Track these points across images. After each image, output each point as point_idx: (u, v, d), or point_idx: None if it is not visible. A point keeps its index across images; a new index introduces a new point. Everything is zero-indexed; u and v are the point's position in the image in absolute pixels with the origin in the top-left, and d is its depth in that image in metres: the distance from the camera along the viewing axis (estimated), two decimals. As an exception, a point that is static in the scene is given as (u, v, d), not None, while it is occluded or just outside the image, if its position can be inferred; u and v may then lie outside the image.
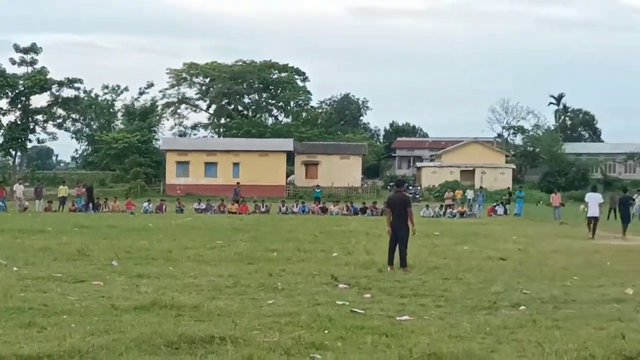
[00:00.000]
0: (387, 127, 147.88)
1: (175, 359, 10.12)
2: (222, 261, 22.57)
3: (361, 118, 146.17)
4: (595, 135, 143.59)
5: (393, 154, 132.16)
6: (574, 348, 10.38)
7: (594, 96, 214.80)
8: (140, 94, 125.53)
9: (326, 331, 11.77)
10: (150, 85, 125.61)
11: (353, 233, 35.65)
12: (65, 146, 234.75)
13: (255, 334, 11.38)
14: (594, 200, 37.51)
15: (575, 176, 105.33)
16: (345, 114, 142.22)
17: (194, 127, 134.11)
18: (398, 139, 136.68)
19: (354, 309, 13.84)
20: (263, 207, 63.47)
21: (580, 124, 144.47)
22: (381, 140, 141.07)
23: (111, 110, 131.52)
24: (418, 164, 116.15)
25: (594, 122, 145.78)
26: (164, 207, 63.25)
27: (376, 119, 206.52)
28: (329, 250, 25.95)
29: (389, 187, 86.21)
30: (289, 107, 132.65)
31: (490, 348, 10.72)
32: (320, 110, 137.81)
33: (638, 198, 56.44)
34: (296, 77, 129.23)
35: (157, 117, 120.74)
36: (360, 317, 13.07)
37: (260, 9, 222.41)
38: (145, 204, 63.10)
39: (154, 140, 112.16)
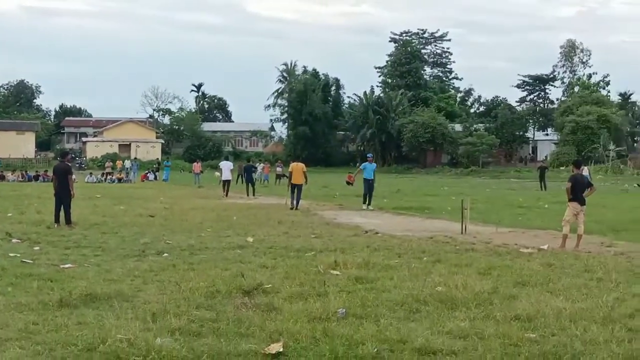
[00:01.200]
0: (57, 109, 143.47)
1: None
2: None
3: (35, 101, 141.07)
4: (227, 117, 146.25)
5: (62, 131, 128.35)
6: (205, 285, 10.66)
7: (226, 85, 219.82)
8: None
9: (-1, 278, 11.35)
10: None
11: (27, 196, 34.44)
12: None
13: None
14: (226, 167, 39.05)
15: (212, 149, 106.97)
16: (21, 97, 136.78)
17: None
18: (66, 118, 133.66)
19: (24, 260, 13.40)
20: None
21: (215, 108, 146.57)
22: (52, 120, 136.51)
23: None
24: (84, 139, 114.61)
25: (227, 106, 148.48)
26: None
27: (48, 102, 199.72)
28: (5, 211, 24.84)
29: (57, 158, 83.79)
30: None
31: (137, 288, 10.74)
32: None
33: (260, 165, 58.51)
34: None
35: None
36: (29, 266, 12.68)
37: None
38: None
39: None
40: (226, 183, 38.78)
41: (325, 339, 7.80)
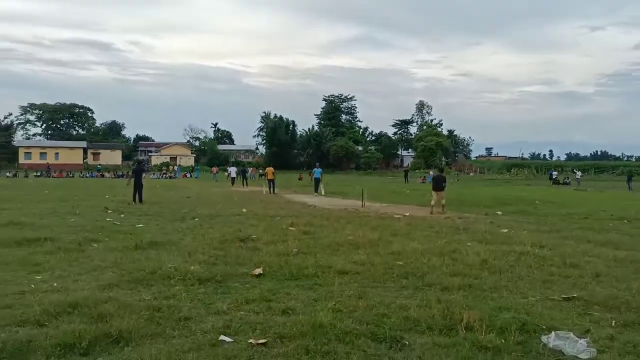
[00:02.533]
0: (135, 136, 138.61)
1: (19, 249, 9.03)
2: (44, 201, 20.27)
3: (122, 132, 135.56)
4: (232, 141, 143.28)
5: (137, 149, 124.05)
6: (218, 236, 10.51)
7: (232, 123, 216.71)
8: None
9: (100, 233, 11.04)
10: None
11: (116, 186, 33.39)
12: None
13: (63, 235, 10.43)
14: (233, 170, 39.39)
15: (223, 160, 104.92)
16: (113, 129, 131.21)
17: None
18: (140, 142, 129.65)
19: (115, 222, 13.08)
20: None
21: (225, 137, 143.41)
22: (132, 142, 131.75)
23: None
24: (150, 154, 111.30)
25: (232, 135, 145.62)
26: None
27: (130, 132, 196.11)
28: (103, 195, 24.15)
29: (135, 164, 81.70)
30: None
31: (180, 238, 10.53)
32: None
33: (250, 169, 57.74)
34: None
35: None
36: (118, 226, 12.35)
37: None
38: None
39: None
40: (233, 179, 39.08)
41: (286, 266, 7.78)
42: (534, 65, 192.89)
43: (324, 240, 10.22)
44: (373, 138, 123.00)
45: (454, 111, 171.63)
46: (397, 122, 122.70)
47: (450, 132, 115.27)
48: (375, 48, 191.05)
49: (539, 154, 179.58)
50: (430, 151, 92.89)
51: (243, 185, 36.94)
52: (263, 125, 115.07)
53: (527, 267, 7.93)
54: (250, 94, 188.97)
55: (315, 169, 29.37)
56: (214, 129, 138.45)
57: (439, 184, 18.01)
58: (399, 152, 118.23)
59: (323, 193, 27.03)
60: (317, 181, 28.01)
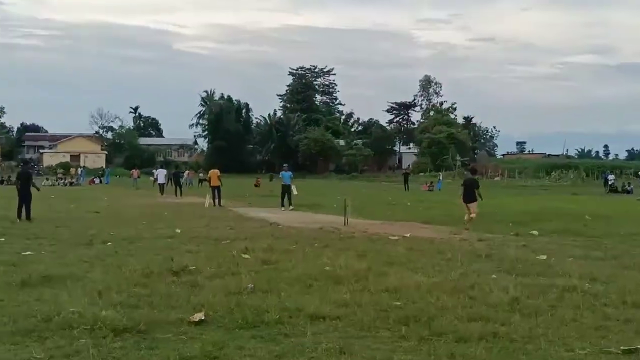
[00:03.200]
0: (19, 126, 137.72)
1: None
2: None
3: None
4: (159, 132, 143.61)
5: (23, 144, 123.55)
6: (141, 267, 10.47)
7: (158, 107, 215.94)
8: None
9: (-30, 265, 10.90)
10: None
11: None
12: None
13: None
14: (161, 174, 39.34)
15: (147, 159, 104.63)
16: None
17: None
18: (26, 133, 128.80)
19: (-9, 249, 12.93)
20: None
21: (149, 125, 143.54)
22: (14, 134, 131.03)
23: None
24: (41, 151, 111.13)
25: (159, 124, 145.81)
26: None
27: (10, 120, 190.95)
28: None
29: (20, 165, 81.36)
30: None
31: (86, 270, 10.49)
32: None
33: (186, 172, 58.22)
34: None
35: None
36: (-4, 254, 12.23)
37: None
38: None
39: None
40: (162, 186, 39.47)
41: (238, 309, 7.78)
42: (582, 26, 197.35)
43: (291, 273, 10.23)
44: (360, 128, 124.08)
45: (472, 91, 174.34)
46: (393, 105, 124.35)
47: (467, 119, 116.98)
48: (362, 0, 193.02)
49: (589, 151, 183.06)
50: (440, 146, 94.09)
51: (176, 195, 36.83)
52: (204, 110, 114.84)
53: (574, 308, 8.09)
54: (185, 66, 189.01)
55: (284, 172, 28.95)
56: (133, 115, 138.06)
57: (470, 192, 18.35)
58: (397, 148, 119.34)
59: (291, 207, 26.90)
60: (287, 190, 27.52)
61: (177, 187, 38.11)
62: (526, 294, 8.74)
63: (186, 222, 19.89)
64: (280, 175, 30.02)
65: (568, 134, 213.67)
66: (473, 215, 18.57)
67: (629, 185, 53.33)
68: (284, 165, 30.92)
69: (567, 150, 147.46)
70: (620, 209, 28.37)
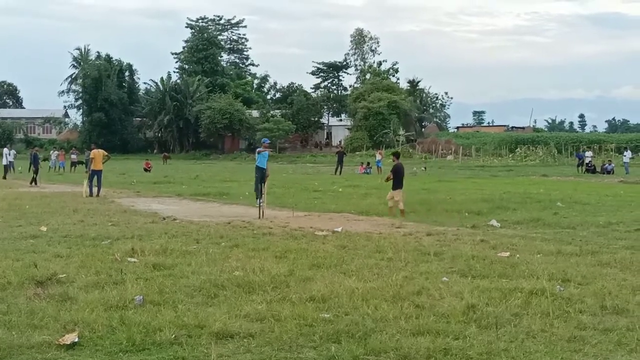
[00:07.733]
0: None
1: None
2: None
3: None
4: (18, 103, 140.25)
5: None
6: (-6, 277, 10.23)
7: (17, 70, 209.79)
8: None
9: None
10: None
11: None
12: None
13: None
14: (7, 152, 39.51)
15: (2, 136, 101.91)
16: None
17: None
18: None
19: None
20: None
21: (5, 93, 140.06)
22: None
23: None
24: None
25: (17, 91, 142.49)
26: None
27: None
28: None
29: None
30: None
31: None
32: None
33: (54, 153, 57.58)
34: None
35: None
36: None
37: None
38: None
39: None
40: (6, 169, 40.81)
41: (122, 327, 7.70)
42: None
43: (190, 280, 10.20)
44: (278, 95, 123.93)
45: (418, 48, 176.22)
46: (319, 66, 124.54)
47: (413, 84, 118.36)
48: None
49: (562, 122, 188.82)
50: (379, 118, 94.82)
51: (31, 184, 35.77)
52: (76, 72, 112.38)
53: (542, 317, 8.30)
54: (53, 16, 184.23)
55: (262, 150, 23.63)
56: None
57: (399, 177, 19.05)
58: (325, 121, 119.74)
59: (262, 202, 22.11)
60: (262, 175, 22.84)
61: (35, 173, 37.08)
62: (484, 300, 8.93)
63: (55, 217, 19.50)
64: (255, 156, 24.90)
65: (536, 101, 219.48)
66: (401, 205, 19.51)
67: (609, 164, 54.63)
68: (264, 141, 25.72)
69: (535, 121, 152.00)
70: (598, 194, 29.18)
